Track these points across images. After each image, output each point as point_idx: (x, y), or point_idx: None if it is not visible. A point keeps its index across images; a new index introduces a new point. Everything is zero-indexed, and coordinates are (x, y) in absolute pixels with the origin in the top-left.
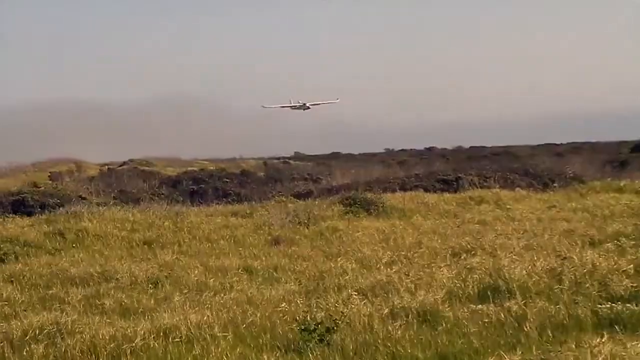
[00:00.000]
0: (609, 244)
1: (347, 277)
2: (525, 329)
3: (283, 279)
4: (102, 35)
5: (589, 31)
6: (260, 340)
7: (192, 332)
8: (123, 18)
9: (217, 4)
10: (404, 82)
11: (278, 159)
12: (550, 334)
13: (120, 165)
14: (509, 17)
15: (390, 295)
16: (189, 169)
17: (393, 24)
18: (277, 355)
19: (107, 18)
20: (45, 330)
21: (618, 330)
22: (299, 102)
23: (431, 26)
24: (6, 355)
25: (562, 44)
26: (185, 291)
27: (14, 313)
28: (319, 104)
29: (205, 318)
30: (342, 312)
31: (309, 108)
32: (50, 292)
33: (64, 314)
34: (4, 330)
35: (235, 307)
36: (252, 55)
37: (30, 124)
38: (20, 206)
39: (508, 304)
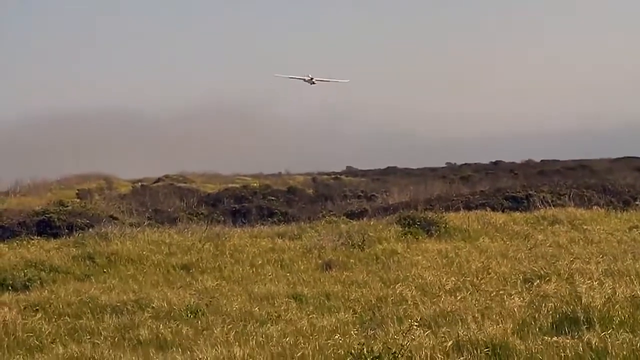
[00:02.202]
0: None
1: (406, 306)
2: None
3: (336, 308)
4: (133, 39)
5: None
6: None
7: None
8: (158, 20)
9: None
10: (467, 90)
11: (328, 174)
12: None
13: (154, 182)
14: (580, 19)
15: (455, 326)
16: (230, 185)
17: (454, 30)
18: None
19: (138, 21)
20: None
21: None
22: (307, 76)
23: (495, 32)
24: None
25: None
26: (228, 321)
27: (40, 345)
28: (327, 81)
29: (250, 352)
30: (401, 344)
31: (314, 83)
32: (80, 322)
33: (95, 346)
34: None
35: (283, 340)
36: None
37: (56, 136)
38: (45, 227)
39: (587, 335)
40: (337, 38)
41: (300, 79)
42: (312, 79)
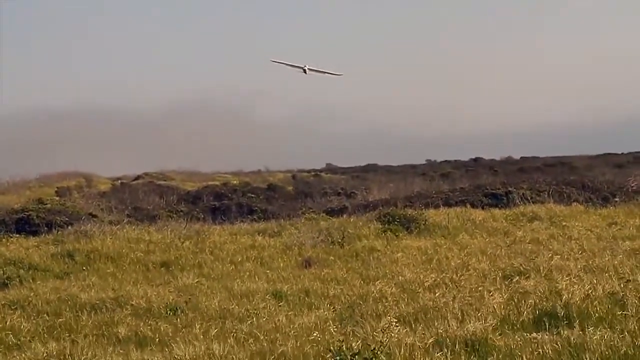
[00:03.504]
0: None
1: (386, 303)
2: (585, 359)
3: (315, 305)
4: (113, 37)
5: None
6: None
7: None
8: (137, 18)
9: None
10: (447, 87)
11: (308, 171)
12: None
13: (134, 180)
14: (564, 21)
15: (434, 323)
16: (210, 183)
17: (432, 26)
18: None
19: (118, 19)
20: None
21: None
22: (304, 65)
23: (473, 30)
24: None
25: (625, 43)
26: (207, 319)
27: (18, 343)
28: (320, 71)
29: (229, 349)
30: (381, 341)
31: (305, 72)
32: (59, 320)
33: (74, 344)
34: None
35: (262, 337)
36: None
37: (35, 134)
38: (24, 225)
39: (566, 332)
40: (313, 31)
41: (295, 66)
42: (304, 67)
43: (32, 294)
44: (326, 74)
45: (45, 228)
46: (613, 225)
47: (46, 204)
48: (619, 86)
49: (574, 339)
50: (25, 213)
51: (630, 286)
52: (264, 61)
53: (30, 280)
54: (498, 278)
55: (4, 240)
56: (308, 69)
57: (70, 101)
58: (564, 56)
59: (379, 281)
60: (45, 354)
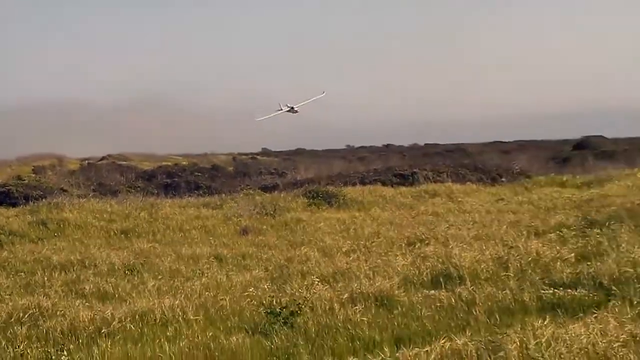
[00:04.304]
0: (552, 235)
1: (310, 265)
2: (475, 312)
3: (251, 266)
4: (81, 38)
5: (533, 37)
6: (229, 323)
7: (166, 316)
8: (103, 20)
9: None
10: (363, 84)
11: (246, 154)
12: (498, 317)
13: (99, 160)
14: (455, 23)
15: (349, 282)
16: (163, 163)
17: (356, 24)
18: (245, 336)
19: (86, 21)
20: (29, 313)
21: (560, 313)
22: (287, 106)
23: (389, 29)
24: None
25: (506, 50)
26: (160, 277)
27: None
28: (307, 102)
29: (178, 302)
30: (305, 297)
31: (297, 112)
32: (34, 277)
33: (46, 298)
34: None
35: (206, 292)
36: (220, 51)
37: (15, 122)
38: (5, 198)
39: (458, 289)
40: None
41: (282, 111)
42: (292, 107)
43: (11, 256)
44: (314, 100)
45: (23, 200)
46: (500, 201)
47: (24, 180)
48: (504, 86)
49: (465, 295)
50: (6, 188)
51: (512, 251)
52: (210, 58)
53: (10, 244)
54: (403, 244)
55: None
56: (296, 107)
57: (43, 93)
58: (469, 59)
59: (304, 247)
60: (23, 306)
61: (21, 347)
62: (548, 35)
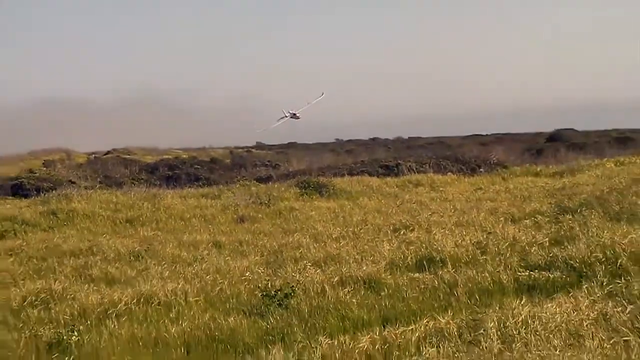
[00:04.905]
0: (527, 221)
1: (302, 250)
2: (456, 294)
3: (247, 252)
4: (88, 38)
5: (511, 35)
6: (228, 305)
7: (168, 298)
8: (108, 23)
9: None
10: (348, 82)
11: (242, 148)
12: (477, 298)
13: (105, 154)
14: (434, 25)
15: (339, 266)
16: (165, 157)
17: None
18: (242, 317)
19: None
20: (41, 297)
21: (535, 294)
22: (289, 112)
23: (371, 30)
24: (7, 318)
25: (482, 49)
26: (163, 263)
27: (13, 282)
28: (308, 106)
29: (180, 286)
30: (298, 280)
31: (299, 118)
32: (45, 263)
33: (57, 282)
34: (4, 297)
35: (205, 277)
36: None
37: (26, 119)
38: (18, 190)
39: (441, 272)
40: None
41: (284, 119)
42: (294, 114)
43: (24, 244)
44: (314, 103)
45: (35, 192)
46: (479, 190)
47: (35, 173)
48: (482, 83)
49: (447, 278)
50: (19, 180)
51: (491, 237)
52: (206, 58)
53: (23, 233)
54: (389, 231)
55: (1, 201)
56: (298, 113)
57: (52, 92)
58: (442, 56)
59: (296, 233)
60: (35, 290)
61: (34, 328)
62: (521, 36)
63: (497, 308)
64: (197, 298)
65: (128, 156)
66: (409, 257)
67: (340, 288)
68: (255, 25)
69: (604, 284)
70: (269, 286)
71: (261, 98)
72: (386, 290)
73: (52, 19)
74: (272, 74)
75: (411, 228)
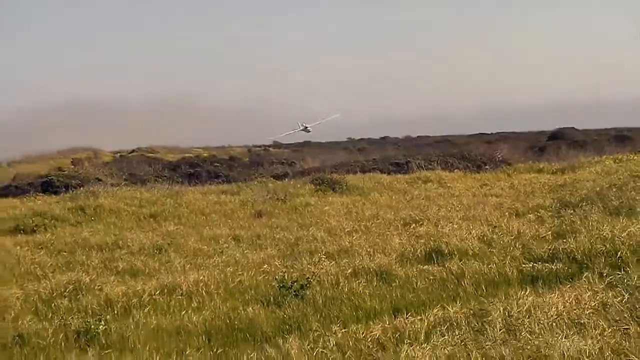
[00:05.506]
0: (531, 215)
1: (317, 244)
2: (463, 284)
3: (264, 245)
4: (117, 43)
5: (513, 35)
6: (247, 296)
7: (190, 289)
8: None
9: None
10: (360, 83)
11: (259, 146)
12: (484, 289)
13: (129, 153)
14: (444, 20)
15: (352, 258)
16: (186, 155)
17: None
18: (261, 307)
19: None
20: (70, 288)
21: (539, 285)
22: (302, 125)
23: (385, 30)
24: (38, 308)
25: (486, 48)
26: (185, 256)
27: (44, 274)
28: (322, 122)
29: (201, 277)
30: (313, 272)
31: (310, 131)
32: (74, 256)
33: (85, 274)
34: (36, 288)
35: (225, 269)
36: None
37: (55, 119)
38: (48, 187)
39: (449, 264)
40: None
41: (295, 131)
42: (306, 127)
43: (54, 238)
44: (328, 120)
45: (64, 189)
46: (484, 186)
47: (64, 171)
48: (487, 84)
49: (455, 270)
50: (49, 178)
51: (496, 230)
52: (224, 60)
53: (53, 228)
54: (399, 225)
55: (33, 198)
56: (310, 127)
57: (80, 94)
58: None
59: (311, 227)
60: (64, 282)
61: (64, 317)
62: (526, 37)
63: (503, 298)
64: (218, 289)
65: (151, 155)
66: (419, 250)
67: (354, 279)
68: (264, 26)
69: (604, 275)
70: (286, 278)
71: (275, 99)
72: (397, 281)
73: (82, 24)
74: (285, 74)
75: (420, 222)
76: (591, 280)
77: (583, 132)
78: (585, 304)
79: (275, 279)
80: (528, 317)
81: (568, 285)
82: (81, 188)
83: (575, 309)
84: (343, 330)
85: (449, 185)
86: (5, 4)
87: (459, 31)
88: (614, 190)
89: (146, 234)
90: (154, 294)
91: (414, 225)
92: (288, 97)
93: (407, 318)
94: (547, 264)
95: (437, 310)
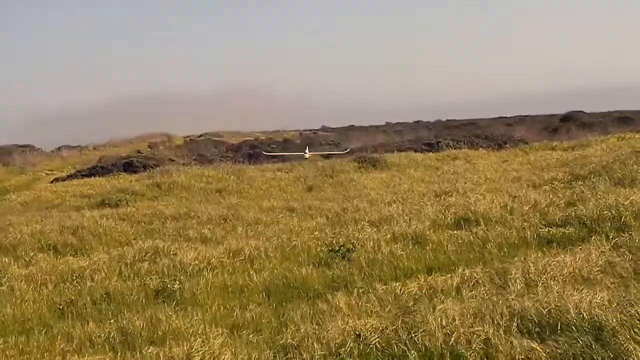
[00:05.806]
0: (546, 187)
1: (360, 213)
2: (488, 247)
3: (315, 215)
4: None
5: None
6: (300, 258)
7: (252, 253)
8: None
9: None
10: (400, 72)
11: (310, 130)
12: (506, 251)
13: (198, 137)
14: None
15: (391, 225)
16: (247, 138)
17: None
18: (312, 268)
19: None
20: (149, 253)
21: (553, 247)
22: (307, 152)
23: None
24: (122, 270)
25: (505, 37)
26: (246, 225)
27: (126, 241)
28: (330, 153)
29: (261, 243)
30: (357, 237)
31: (306, 159)
32: (151, 226)
33: (161, 241)
34: (120, 253)
35: (281, 235)
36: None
37: (136, 108)
38: (128, 167)
39: (475, 229)
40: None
41: (296, 154)
42: (304, 153)
43: (134, 210)
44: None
45: (142, 169)
46: (505, 162)
47: (142, 153)
48: (507, 72)
49: (480, 234)
50: (129, 159)
51: (516, 200)
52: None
53: (133, 202)
54: (432, 196)
55: (116, 176)
56: (308, 154)
57: (157, 84)
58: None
59: (355, 199)
60: (144, 248)
61: (144, 278)
62: (545, 29)
63: (522, 259)
64: (275, 253)
65: (217, 138)
66: (449, 217)
67: (393, 243)
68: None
69: (610, 237)
70: (334, 243)
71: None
72: (430, 244)
73: (161, 25)
74: (330, 67)
75: (450, 193)
76: (598, 242)
77: (590, 115)
78: (594, 262)
79: (325, 243)
80: (544, 275)
81: (579, 247)
82: (157, 168)
83: (585, 267)
84: (384, 287)
85: (474, 162)
86: (100, 12)
87: (484, 29)
88: (618, 164)
89: (213, 207)
90: (221, 258)
91: (444, 196)
92: (331, 86)
93: (439, 276)
94: (560, 229)
95: (465, 270)
